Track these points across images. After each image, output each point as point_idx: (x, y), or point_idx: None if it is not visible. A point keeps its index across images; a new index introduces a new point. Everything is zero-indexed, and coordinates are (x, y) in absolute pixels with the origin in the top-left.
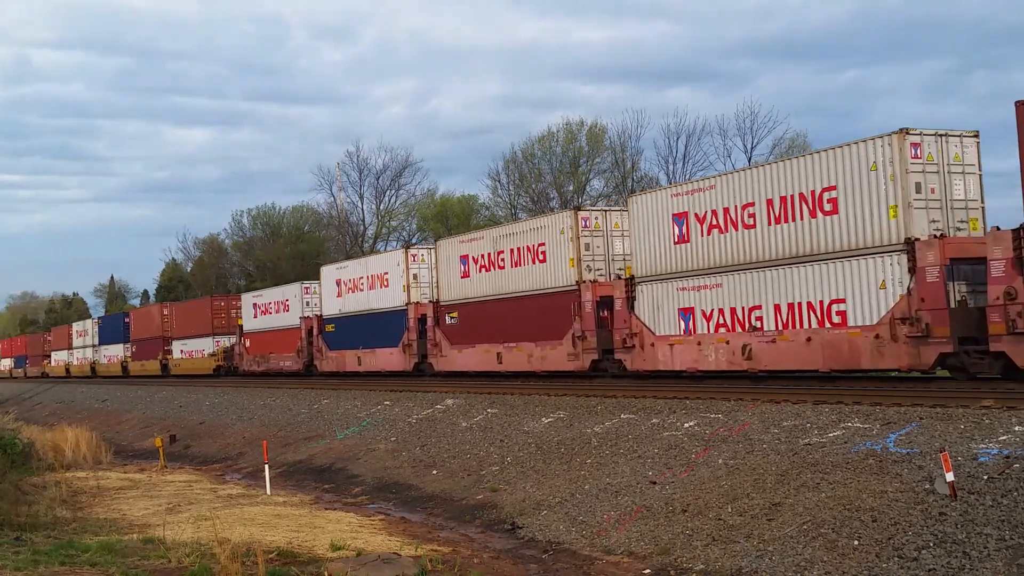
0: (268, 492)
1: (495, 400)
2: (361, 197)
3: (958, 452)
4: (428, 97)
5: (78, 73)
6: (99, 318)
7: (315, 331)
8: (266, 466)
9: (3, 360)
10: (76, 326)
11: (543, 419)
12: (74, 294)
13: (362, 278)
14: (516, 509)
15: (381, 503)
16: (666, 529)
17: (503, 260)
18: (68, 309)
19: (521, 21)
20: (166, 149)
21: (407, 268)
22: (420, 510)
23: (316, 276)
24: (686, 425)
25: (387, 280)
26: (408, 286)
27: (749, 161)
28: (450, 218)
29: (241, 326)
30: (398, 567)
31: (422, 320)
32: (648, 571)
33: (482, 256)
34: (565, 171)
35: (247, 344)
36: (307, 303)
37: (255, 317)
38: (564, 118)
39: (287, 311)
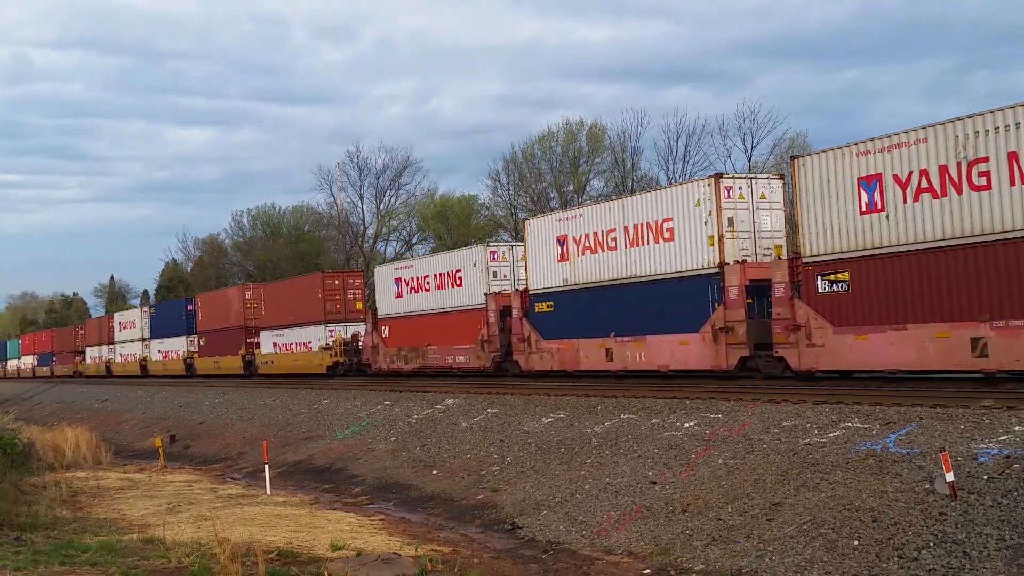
0: (268, 492)
1: (495, 400)
2: (361, 197)
3: (958, 452)
4: (428, 97)
5: (78, 73)
6: (151, 305)
7: (517, 313)
8: (266, 466)
9: (24, 358)
10: (120, 316)
11: (543, 419)
12: (74, 294)
13: (612, 231)
14: (516, 509)
15: (381, 503)
16: (666, 529)
17: (983, 175)
18: (68, 309)
19: (521, 21)
20: (166, 149)
21: (717, 208)
22: (420, 510)
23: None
24: (686, 425)
25: (668, 230)
26: (719, 236)
27: (749, 162)
28: (450, 218)
29: (374, 309)
30: (398, 567)
31: (751, 289)
32: (648, 571)
33: (923, 174)
34: (565, 171)
35: (385, 333)
36: (494, 273)
37: (399, 296)
38: (564, 118)
39: (459, 286)
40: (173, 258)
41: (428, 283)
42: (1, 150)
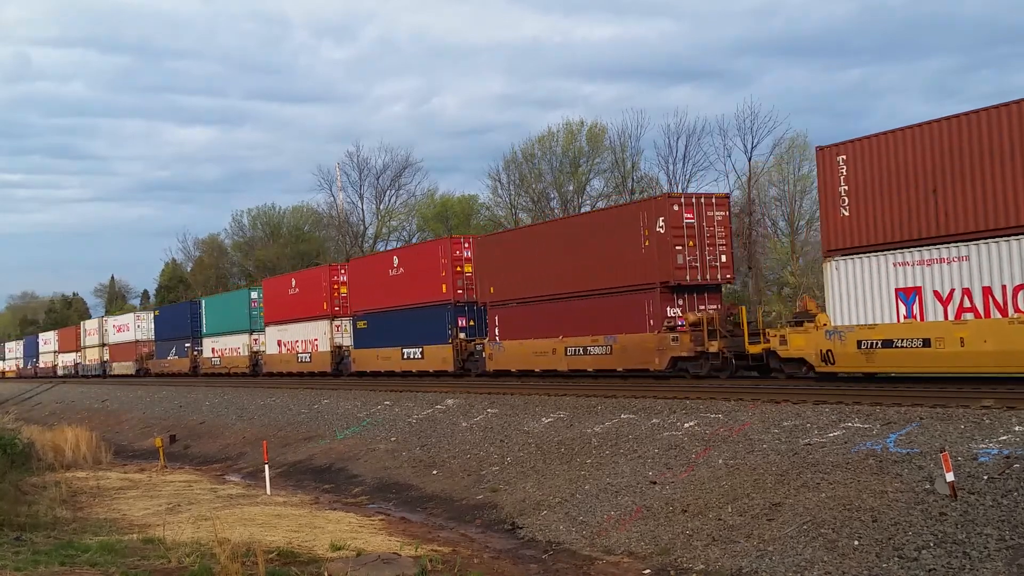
0: (268, 492)
1: (495, 400)
2: (361, 197)
3: (958, 452)
4: (429, 96)
5: (78, 72)
6: None
7: None
8: (266, 466)
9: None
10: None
11: (543, 419)
12: (74, 294)
13: None
14: (516, 509)
15: (381, 503)
16: (666, 529)
17: None
18: (68, 309)
19: (523, 19)
20: (166, 149)
21: None
22: (420, 510)
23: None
24: (686, 425)
25: None
26: None
27: (749, 162)
28: (450, 218)
29: None
30: (398, 567)
31: None
32: (648, 571)
33: None
34: (565, 171)
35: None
36: None
37: None
38: (564, 118)
39: None
40: (173, 258)
41: None
42: (1, 150)
